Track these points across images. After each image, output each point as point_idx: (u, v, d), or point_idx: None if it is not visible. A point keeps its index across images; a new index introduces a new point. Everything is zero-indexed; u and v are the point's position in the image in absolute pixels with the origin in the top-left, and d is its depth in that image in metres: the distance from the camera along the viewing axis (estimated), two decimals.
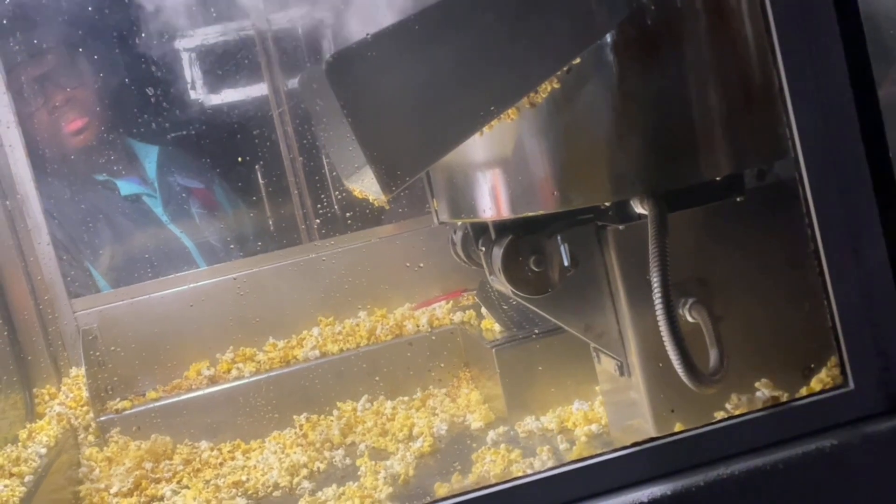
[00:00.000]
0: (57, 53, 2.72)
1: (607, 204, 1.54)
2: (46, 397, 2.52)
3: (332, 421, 2.47)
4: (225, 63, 2.75)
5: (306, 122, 2.74)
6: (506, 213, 1.56)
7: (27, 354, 2.53)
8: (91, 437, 2.41)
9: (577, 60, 1.40)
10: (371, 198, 1.62)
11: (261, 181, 2.74)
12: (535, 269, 1.52)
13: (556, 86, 1.40)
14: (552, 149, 1.48)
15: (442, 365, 2.61)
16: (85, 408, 2.45)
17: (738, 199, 1.53)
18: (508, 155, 1.52)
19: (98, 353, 2.56)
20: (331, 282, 2.72)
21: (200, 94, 2.79)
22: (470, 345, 2.57)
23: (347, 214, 2.75)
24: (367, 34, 1.29)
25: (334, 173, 2.56)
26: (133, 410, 2.48)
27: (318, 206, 2.78)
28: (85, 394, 2.46)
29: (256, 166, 2.73)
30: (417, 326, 2.64)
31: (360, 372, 2.57)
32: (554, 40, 1.36)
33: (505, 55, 1.35)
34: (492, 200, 1.57)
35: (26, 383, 2.51)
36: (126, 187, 2.86)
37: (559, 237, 1.53)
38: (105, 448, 2.39)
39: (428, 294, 2.77)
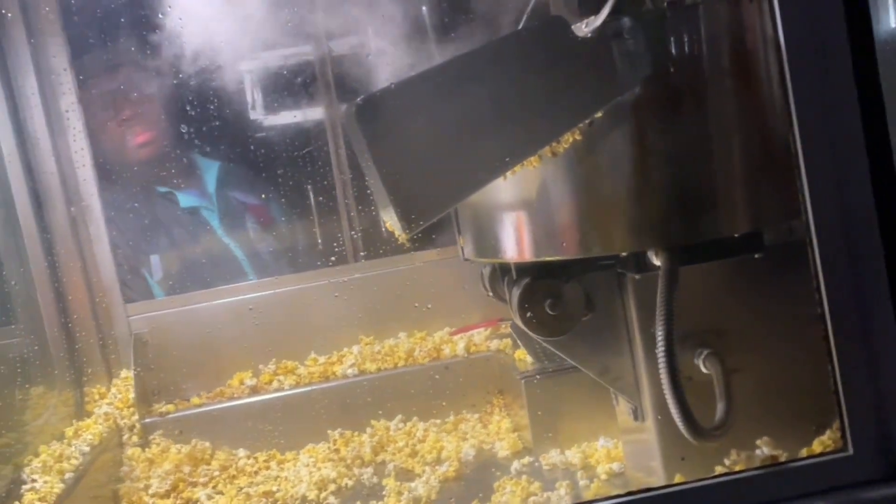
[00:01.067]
0: (127, 69, 2.85)
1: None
2: (96, 396, 2.64)
3: (365, 438, 2.54)
4: (285, 85, 2.85)
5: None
6: (526, 256, 1.60)
7: (81, 354, 2.65)
8: (135, 438, 2.51)
9: (600, 114, 1.44)
10: (396, 233, 1.68)
11: (312, 200, 2.83)
12: (551, 313, 1.56)
13: (578, 137, 1.45)
14: (572, 197, 1.52)
15: (476, 391, 2.66)
16: (131, 409, 2.55)
17: (756, 256, 1.55)
18: (531, 199, 1.57)
19: (147, 358, 2.67)
20: (374, 302, 2.79)
21: (260, 113, 2.89)
22: (504, 373, 2.61)
23: (393, 238, 2.82)
24: (391, 84, 1.36)
25: None
26: (176, 414, 2.59)
27: (366, 227, 2.86)
28: (131, 395, 2.57)
29: (308, 185, 2.82)
30: (455, 351, 2.70)
31: (396, 392, 2.63)
32: (577, 94, 1.40)
33: (527, 107, 1.40)
34: (513, 243, 1.62)
35: (78, 382, 2.63)
36: (185, 199, 2.98)
37: (577, 282, 1.57)
38: (147, 449, 2.49)
39: (468, 320, 2.82)
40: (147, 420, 2.56)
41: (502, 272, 1.81)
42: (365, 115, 1.39)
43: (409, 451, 2.42)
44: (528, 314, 1.57)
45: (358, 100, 1.40)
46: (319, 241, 2.85)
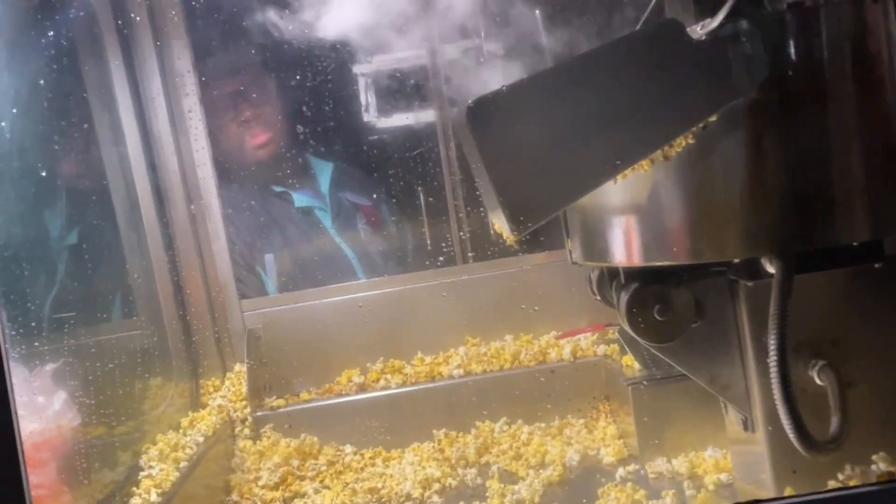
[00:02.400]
0: (247, 72, 2.94)
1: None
2: (211, 389, 2.72)
3: (469, 439, 2.55)
4: (397, 88, 2.89)
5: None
6: (635, 261, 1.59)
7: (198, 347, 2.74)
8: (247, 431, 2.59)
9: (714, 117, 1.42)
10: (504, 235, 1.68)
11: (423, 202, 2.86)
12: (659, 319, 1.54)
13: (691, 141, 1.43)
14: (683, 202, 1.50)
15: (582, 396, 2.64)
16: (243, 402, 2.63)
17: (876, 266, 1.50)
18: (641, 204, 1.55)
19: (260, 353, 2.74)
20: (481, 304, 2.80)
21: (373, 115, 2.94)
22: (611, 378, 2.58)
23: (501, 240, 2.83)
24: (503, 87, 1.36)
25: None
26: (287, 409, 2.65)
27: (475, 229, 2.87)
28: (244, 389, 2.64)
29: (419, 187, 2.85)
30: (561, 355, 2.68)
31: (501, 394, 2.64)
32: (691, 97, 1.38)
33: (640, 110, 1.39)
34: (622, 247, 1.60)
35: (194, 374, 2.72)
36: (300, 199, 3.05)
37: (687, 288, 1.55)
38: (258, 442, 2.56)
39: (575, 324, 2.80)
40: (258, 413, 2.63)
41: (611, 276, 1.80)
42: (476, 116, 1.40)
43: (513, 453, 2.43)
44: (637, 319, 1.55)
45: (470, 101, 1.41)
46: (428, 241, 2.88)
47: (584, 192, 1.43)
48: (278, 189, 3.07)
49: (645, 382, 2.27)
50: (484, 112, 1.40)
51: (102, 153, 2.54)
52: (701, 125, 1.42)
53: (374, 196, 3.12)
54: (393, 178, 2.91)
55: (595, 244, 1.67)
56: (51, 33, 2.23)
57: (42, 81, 2.17)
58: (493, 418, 2.61)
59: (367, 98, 2.87)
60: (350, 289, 2.84)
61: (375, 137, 2.95)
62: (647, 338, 1.56)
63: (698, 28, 1.41)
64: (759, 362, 1.58)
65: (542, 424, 2.60)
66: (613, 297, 1.78)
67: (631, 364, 2.44)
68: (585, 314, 2.80)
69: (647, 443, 2.23)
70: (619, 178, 1.46)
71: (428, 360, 2.77)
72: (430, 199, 2.83)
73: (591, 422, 2.61)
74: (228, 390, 2.69)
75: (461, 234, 2.86)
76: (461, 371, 2.69)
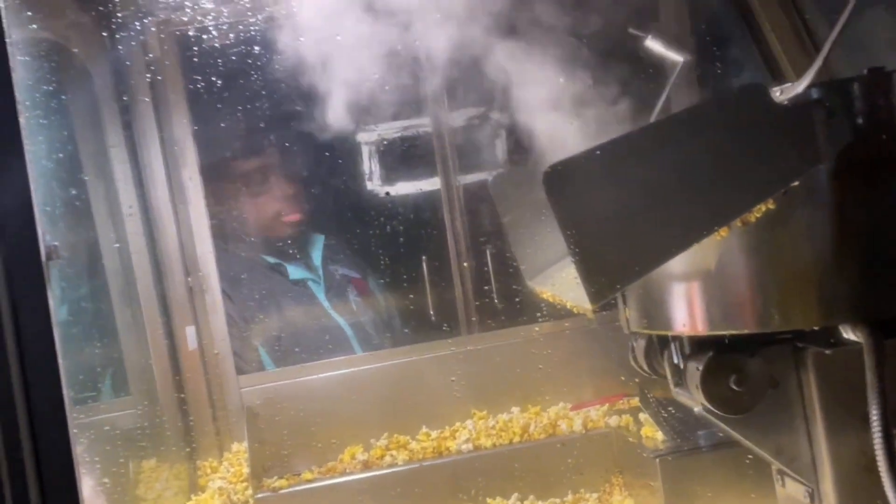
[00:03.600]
0: (246, 142, 2.86)
1: None
2: (208, 470, 2.59)
3: None
4: (402, 156, 2.84)
5: (474, 218, 2.80)
6: (703, 329, 1.54)
7: (196, 427, 2.60)
8: None
9: (796, 183, 1.39)
10: (569, 304, 1.63)
11: (425, 272, 2.79)
12: (735, 389, 1.50)
13: (772, 206, 1.40)
14: (761, 268, 1.46)
15: (595, 468, 2.58)
16: (244, 484, 2.50)
17: None
18: (711, 270, 1.52)
19: (259, 431, 2.62)
20: (485, 375, 2.73)
21: (377, 184, 2.88)
22: (626, 450, 2.53)
23: (505, 310, 2.79)
24: (582, 151, 1.32)
25: (511, 269, 2.61)
26: (289, 490, 2.53)
27: (479, 300, 2.82)
28: (245, 470, 2.52)
29: (423, 256, 2.79)
30: (571, 427, 2.62)
31: (512, 469, 2.57)
32: (775, 162, 1.36)
33: (723, 175, 1.36)
34: (689, 315, 1.56)
35: (191, 455, 2.59)
36: (294, 272, 2.96)
37: (761, 357, 1.51)
38: None
39: (580, 393, 2.75)
40: (259, 495, 2.50)
41: (661, 346, 1.75)
42: (553, 181, 1.36)
43: None
44: (712, 390, 1.50)
45: (547, 167, 1.37)
46: (432, 312, 2.81)
47: (665, 259, 1.39)
48: (272, 260, 2.97)
49: (672, 455, 2.21)
50: (561, 176, 1.36)
51: (96, 223, 2.43)
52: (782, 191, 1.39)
53: (367, 268, 3.04)
54: (394, 248, 2.84)
55: (657, 312, 1.62)
56: (52, 103, 2.14)
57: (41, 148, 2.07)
58: (503, 494, 2.53)
59: (370, 166, 2.82)
60: (351, 362, 2.75)
61: (376, 206, 2.88)
62: (723, 408, 1.51)
63: (778, 92, 1.39)
64: (831, 434, 1.53)
65: (557, 500, 2.53)
66: (667, 367, 1.73)
67: (652, 435, 2.39)
68: (591, 384, 2.75)
69: None
70: None
71: (434, 434, 2.67)
72: (433, 269, 2.76)
73: (605, 496, 2.55)
74: (227, 471, 2.55)
75: (465, 303, 2.80)
76: (470, 446, 2.60)
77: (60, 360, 1.15)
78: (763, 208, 1.41)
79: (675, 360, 1.65)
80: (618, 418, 2.60)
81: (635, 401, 2.67)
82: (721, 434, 2.23)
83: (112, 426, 2.35)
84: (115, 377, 2.49)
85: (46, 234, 1.18)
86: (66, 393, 1.15)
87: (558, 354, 2.74)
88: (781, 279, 1.46)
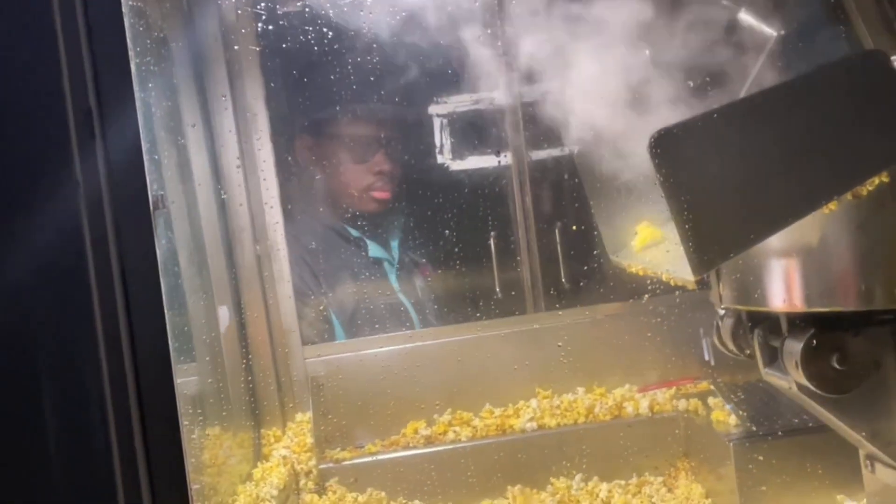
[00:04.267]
0: (322, 112, 2.83)
1: None
2: (272, 440, 2.58)
3: (545, 496, 2.44)
4: (474, 133, 2.81)
5: (541, 193, 2.77)
6: (804, 306, 1.50)
7: (260, 396, 2.60)
8: (311, 484, 2.45)
9: None
10: (665, 276, 1.60)
11: (493, 250, 2.76)
12: (838, 368, 1.46)
13: (885, 179, 1.36)
14: (869, 244, 1.42)
15: (660, 452, 2.54)
16: (308, 454, 2.49)
17: None
18: (814, 245, 1.47)
19: (322, 402, 2.61)
20: (551, 354, 2.70)
21: (447, 158, 2.84)
22: (694, 434, 2.49)
23: (571, 289, 2.76)
24: (690, 117, 1.29)
25: (581, 248, 2.58)
26: (352, 462, 2.52)
27: (547, 278, 2.79)
28: (309, 440, 2.51)
29: (491, 233, 2.76)
30: (637, 409, 2.58)
31: (576, 449, 2.54)
32: (893, 133, 1.31)
33: (839, 144, 1.32)
34: (789, 291, 1.52)
35: (256, 423, 2.58)
36: (374, 249, 2.92)
37: (865, 337, 1.46)
38: (323, 496, 2.43)
39: (645, 376, 2.71)
40: (322, 466, 2.50)
41: (752, 324, 1.71)
42: (661, 148, 1.32)
43: None
44: (813, 369, 1.46)
45: (654, 133, 1.33)
46: (498, 290, 2.78)
47: (773, 231, 1.35)
48: (355, 233, 2.93)
49: (748, 440, 2.17)
50: (669, 142, 1.32)
51: (168, 191, 2.42)
52: None
53: (437, 249, 2.98)
54: (465, 223, 2.80)
55: (753, 288, 1.58)
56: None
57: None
58: (566, 474, 2.51)
59: (441, 139, 2.79)
60: (415, 337, 2.73)
61: (448, 182, 2.84)
62: (825, 388, 1.47)
63: None
64: None
65: (621, 482, 2.50)
66: (756, 346, 1.70)
67: (723, 419, 2.35)
68: (657, 366, 2.71)
69: (751, 502, 2.13)
70: None
71: (497, 412, 2.65)
72: (501, 247, 2.73)
73: (671, 480, 2.52)
74: (291, 440, 2.54)
75: (532, 281, 2.77)
76: (534, 425, 2.58)
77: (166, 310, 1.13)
78: (876, 181, 1.37)
79: (769, 339, 1.61)
80: (686, 402, 2.56)
81: (704, 384, 2.63)
82: (796, 420, 2.20)
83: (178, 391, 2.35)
84: (182, 342, 2.48)
85: (153, 183, 1.17)
86: (171, 342, 1.14)
87: (625, 336, 2.70)
88: (890, 256, 1.42)
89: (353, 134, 2.84)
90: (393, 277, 2.93)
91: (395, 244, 2.97)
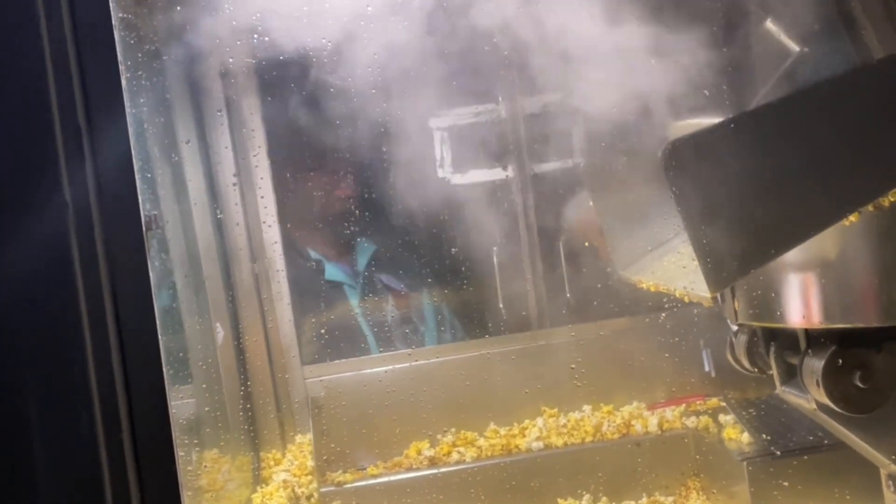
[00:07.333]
0: (316, 133, 2.76)
1: None
2: (272, 463, 2.52)
3: None
4: (473, 147, 2.75)
5: (544, 207, 2.72)
6: (824, 322, 1.45)
7: (259, 418, 2.54)
8: None
9: None
10: (678, 293, 1.54)
11: (496, 266, 2.70)
12: (860, 386, 1.40)
13: None
14: (891, 256, 1.37)
15: (670, 471, 2.48)
16: (309, 477, 2.43)
17: None
18: (834, 259, 1.42)
19: (322, 423, 2.55)
20: (556, 371, 2.64)
21: (448, 171, 2.77)
22: (704, 452, 2.43)
23: (576, 306, 2.71)
24: (704, 128, 1.23)
25: (585, 263, 2.52)
26: (353, 484, 2.46)
27: (551, 293, 2.73)
28: (310, 462, 2.45)
29: (494, 249, 2.69)
30: (646, 427, 2.52)
31: (584, 469, 2.48)
32: None
33: (860, 154, 1.26)
34: (806, 307, 1.46)
35: (254, 446, 2.52)
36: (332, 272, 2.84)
37: (889, 353, 1.41)
38: None
39: (652, 393, 2.66)
40: (323, 489, 2.43)
41: (767, 340, 1.66)
42: (674, 160, 1.27)
43: None
44: (835, 387, 1.41)
45: (666, 144, 1.28)
46: (501, 307, 2.72)
47: (794, 244, 1.30)
48: (314, 255, 2.85)
49: (760, 458, 2.12)
50: (683, 154, 1.27)
51: (162, 209, 2.37)
52: None
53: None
54: (468, 236, 2.73)
55: (771, 304, 1.53)
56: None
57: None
58: (574, 495, 2.45)
59: (442, 154, 2.73)
60: (416, 355, 2.67)
61: (446, 196, 2.77)
62: (847, 407, 1.41)
63: None
64: None
65: (630, 502, 2.44)
66: (772, 363, 1.64)
67: (735, 437, 2.29)
68: (663, 383, 2.66)
69: None
70: None
71: (502, 431, 2.59)
72: (503, 263, 2.67)
73: (681, 499, 2.46)
74: (291, 464, 2.48)
75: (536, 298, 2.71)
76: (541, 444, 2.51)
77: (160, 332, 1.08)
78: None
79: (786, 356, 1.55)
80: (696, 419, 2.50)
81: (714, 401, 2.57)
82: (811, 438, 2.15)
83: (173, 414, 2.29)
84: (178, 364, 2.42)
85: (146, 203, 1.11)
86: (164, 362, 1.09)
87: (632, 352, 2.65)
88: None
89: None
90: (354, 301, 2.84)
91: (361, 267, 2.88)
